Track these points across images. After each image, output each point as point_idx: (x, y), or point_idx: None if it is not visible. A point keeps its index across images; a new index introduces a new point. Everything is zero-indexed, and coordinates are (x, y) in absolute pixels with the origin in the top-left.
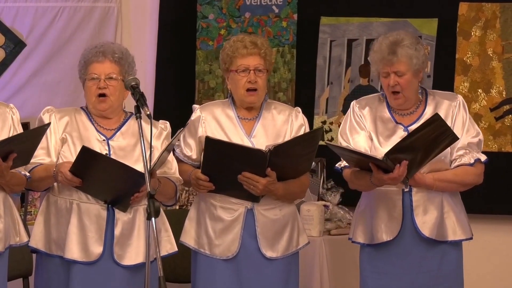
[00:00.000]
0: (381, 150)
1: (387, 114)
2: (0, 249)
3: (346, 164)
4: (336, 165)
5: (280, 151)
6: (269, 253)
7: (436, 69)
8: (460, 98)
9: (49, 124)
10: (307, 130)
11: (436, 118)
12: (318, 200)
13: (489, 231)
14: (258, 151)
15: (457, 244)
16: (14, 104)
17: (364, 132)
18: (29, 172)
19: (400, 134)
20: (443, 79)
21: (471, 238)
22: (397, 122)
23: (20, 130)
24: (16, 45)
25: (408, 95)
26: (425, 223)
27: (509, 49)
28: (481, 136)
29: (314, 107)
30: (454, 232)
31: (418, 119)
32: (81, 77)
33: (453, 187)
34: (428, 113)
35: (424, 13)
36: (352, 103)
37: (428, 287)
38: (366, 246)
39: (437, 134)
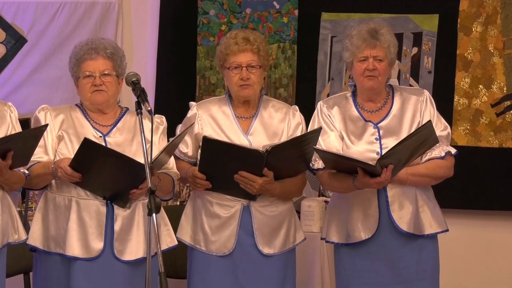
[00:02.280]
0: (353, 148)
1: (355, 112)
2: None
3: (321, 167)
4: (314, 166)
5: (277, 151)
6: (266, 250)
7: (437, 65)
8: (426, 93)
9: (46, 125)
10: (304, 128)
11: (428, 125)
12: (319, 196)
13: (491, 227)
14: (255, 151)
15: (434, 237)
16: (15, 100)
17: (334, 132)
18: (27, 170)
19: (371, 131)
20: (444, 75)
21: (446, 230)
22: (366, 120)
23: (18, 128)
24: (17, 41)
25: (382, 81)
26: (401, 217)
27: (510, 45)
28: (449, 130)
29: (315, 103)
30: (430, 225)
31: (386, 115)
32: (74, 75)
33: (425, 181)
34: (396, 109)
35: (425, 8)
36: (319, 103)
37: (409, 281)
38: (342, 245)
39: (424, 139)
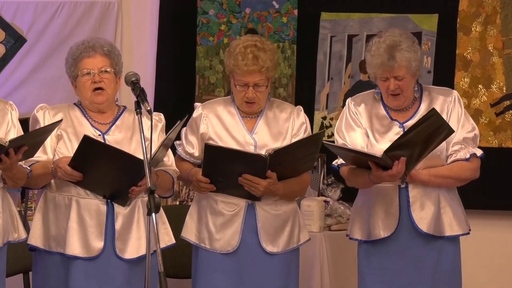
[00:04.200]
0: (377, 146)
1: (382, 111)
2: None
3: (343, 162)
4: (333, 162)
5: (280, 155)
6: (269, 248)
7: (437, 64)
8: (455, 93)
9: (61, 120)
10: (308, 128)
11: (432, 113)
12: (318, 195)
13: (490, 227)
14: (258, 156)
15: (455, 239)
16: (14, 100)
17: (360, 129)
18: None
19: (396, 130)
20: (444, 75)
21: (468, 233)
22: (392, 119)
23: (18, 126)
24: (16, 41)
25: (408, 95)
26: (422, 218)
27: (510, 45)
28: (476, 131)
29: (315, 103)
30: (451, 227)
31: (413, 115)
32: (71, 75)
33: (449, 183)
34: (423, 109)
35: (425, 8)
36: (347, 100)
37: (427, 282)
38: (364, 242)
39: (434, 129)
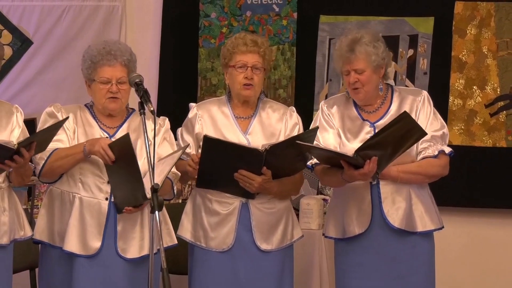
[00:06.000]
0: (349, 146)
1: (354, 112)
2: (5, 241)
3: (317, 162)
4: (308, 162)
5: (276, 150)
6: (264, 246)
7: (433, 66)
8: (424, 93)
9: (67, 118)
10: (301, 129)
11: (404, 115)
12: (317, 194)
13: (485, 224)
14: (255, 150)
15: (428, 234)
16: (21, 100)
17: (332, 130)
18: (50, 154)
19: (367, 130)
20: (439, 76)
21: (440, 228)
22: (363, 119)
23: (23, 127)
24: (23, 43)
25: (368, 90)
26: (393, 214)
27: (504, 47)
28: (445, 130)
29: (314, 103)
30: (422, 222)
31: (384, 115)
32: (88, 76)
33: (418, 179)
34: (393, 109)
35: (421, 11)
36: (321, 103)
37: (403, 277)
38: (339, 240)
39: (406, 131)
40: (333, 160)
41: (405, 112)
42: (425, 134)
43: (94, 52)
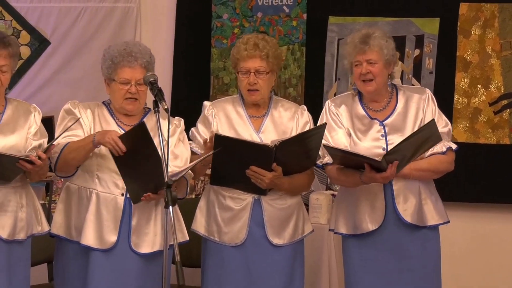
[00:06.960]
0: (360, 145)
1: (361, 111)
2: (22, 237)
3: (329, 161)
4: (317, 162)
5: (286, 146)
6: (276, 240)
7: (438, 66)
8: (428, 91)
9: (78, 119)
10: (312, 127)
11: (432, 123)
12: (326, 189)
13: (489, 219)
14: (265, 146)
15: (435, 228)
16: (38, 99)
17: (342, 129)
18: (63, 147)
19: (377, 128)
20: (445, 76)
21: (447, 222)
22: (372, 118)
23: (41, 126)
24: (40, 43)
25: (379, 83)
26: (406, 210)
27: (507, 47)
28: (450, 126)
29: (323, 102)
30: (432, 217)
31: (391, 113)
32: (107, 76)
33: (428, 175)
34: (400, 107)
35: (427, 13)
36: (327, 102)
37: (414, 270)
38: (349, 236)
39: (428, 137)
40: (351, 162)
41: (433, 120)
42: (441, 139)
43: (115, 53)
